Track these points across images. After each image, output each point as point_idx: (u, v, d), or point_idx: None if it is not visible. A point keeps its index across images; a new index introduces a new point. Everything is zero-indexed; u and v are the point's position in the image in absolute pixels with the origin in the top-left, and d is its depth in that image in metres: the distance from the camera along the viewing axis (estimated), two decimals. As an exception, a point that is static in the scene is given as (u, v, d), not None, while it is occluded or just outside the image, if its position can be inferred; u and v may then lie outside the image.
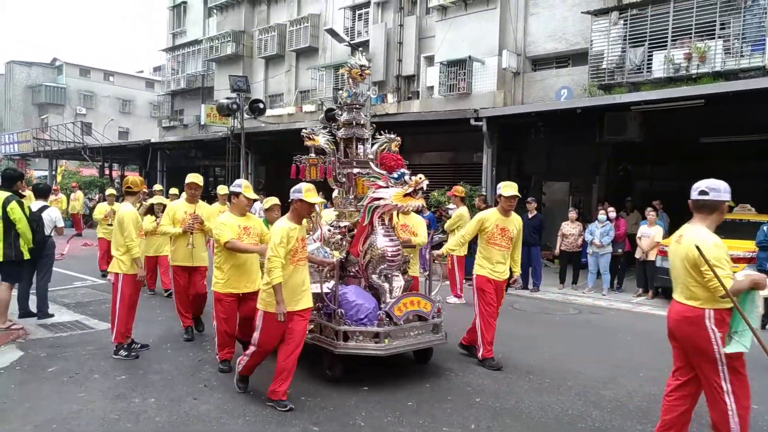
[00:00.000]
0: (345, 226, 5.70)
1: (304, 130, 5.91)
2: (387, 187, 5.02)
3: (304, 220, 6.31)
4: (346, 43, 16.67)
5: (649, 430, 4.19)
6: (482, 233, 5.71)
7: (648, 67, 12.49)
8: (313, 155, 5.83)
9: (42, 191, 7.79)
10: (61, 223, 7.44)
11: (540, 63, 15.57)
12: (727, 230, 9.16)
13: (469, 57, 15.23)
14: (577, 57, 14.41)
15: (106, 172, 28.12)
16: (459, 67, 15.51)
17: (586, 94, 13.25)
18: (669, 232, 10.44)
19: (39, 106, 47.65)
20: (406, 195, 4.95)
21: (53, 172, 29.26)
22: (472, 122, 12.61)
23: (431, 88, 16.79)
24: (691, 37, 11.92)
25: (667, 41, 12.23)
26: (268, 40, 22.79)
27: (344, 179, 5.85)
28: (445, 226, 9.44)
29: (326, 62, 20.26)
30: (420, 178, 5.00)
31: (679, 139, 12.52)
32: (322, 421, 4.21)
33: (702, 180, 3.57)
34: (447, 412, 4.44)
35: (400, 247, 5.26)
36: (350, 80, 5.83)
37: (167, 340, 6.32)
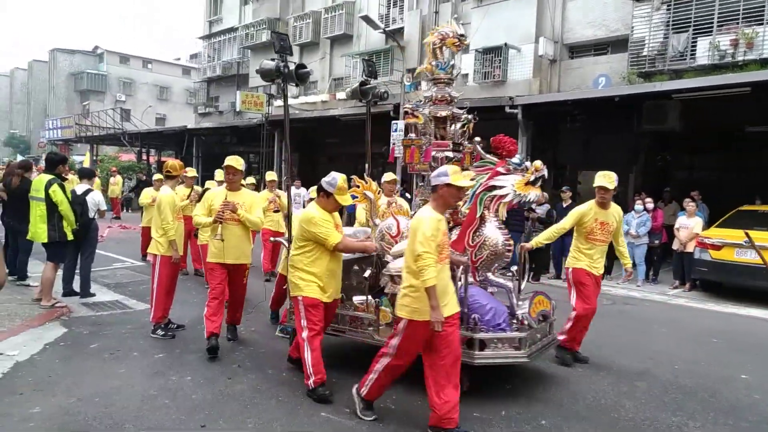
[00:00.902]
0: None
1: (406, 105, 5.25)
2: (507, 173, 4.51)
3: (363, 212, 6.12)
4: (381, 30, 16.59)
5: (683, 423, 4.13)
6: (580, 228, 5.35)
7: (692, 54, 12.11)
8: (413, 135, 5.15)
9: (86, 174, 8.03)
10: (104, 206, 7.67)
11: (578, 50, 15.25)
12: (764, 222, 8.94)
13: (505, 44, 15.02)
14: (617, 44, 14.06)
15: (144, 157, 28.78)
16: (494, 54, 15.31)
17: (625, 82, 12.93)
18: (708, 223, 10.17)
19: (81, 93, 48.99)
20: (527, 183, 4.45)
21: (95, 157, 30.11)
22: (507, 110, 12.46)
23: (466, 75, 16.60)
24: (738, 23, 11.50)
25: (712, 27, 11.83)
26: (303, 27, 22.87)
27: (435, 164, 5.05)
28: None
29: (360, 49, 20.24)
30: (540, 165, 4.51)
31: (721, 128, 12.13)
32: (353, 402, 4.25)
33: None
34: (477, 398, 4.44)
35: (511, 239, 4.79)
36: (437, 51, 5.10)
37: (202, 321, 6.43)
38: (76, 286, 7.42)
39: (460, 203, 4.78)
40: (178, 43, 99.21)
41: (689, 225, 9.68)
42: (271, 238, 6.53)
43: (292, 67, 5.09)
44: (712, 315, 8.12)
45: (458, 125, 5.14)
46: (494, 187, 4.58)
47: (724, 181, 12.73)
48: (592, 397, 4.59)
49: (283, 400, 4.30)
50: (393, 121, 15.10)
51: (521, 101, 12.45)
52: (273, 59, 5.03)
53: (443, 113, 5.06)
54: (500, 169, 4.55)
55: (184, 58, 53.13)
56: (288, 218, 5.35)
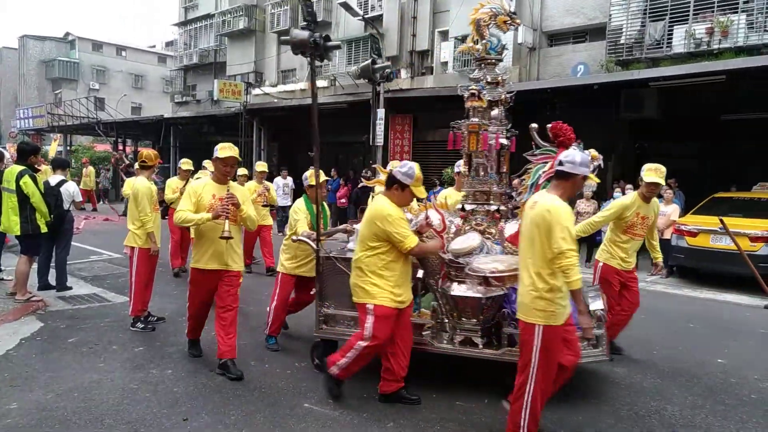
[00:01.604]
0: (495, 210, 4.65)
1: (469, 88, 4.70)
2: None
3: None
4: (360, 18, 16.46)
5: (662, 407, 4.21)
6: (620, 221, 5.08)
7: (668, 42, 12.23)
8: (475, 120, 4.64)
9: (60, 165, 7.84)
10: (79, 197, 7.53)
11: (557, 38, 15.30)
12: (745, 209, 9.12)
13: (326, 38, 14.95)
14: (595, 32, 14.13)
15: (120, 147, 28.26)
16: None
17: (603, 70, 13.03)
18: (685, 210, 10.34)
19: (53, 81, 47.81)
20: None
21: (68, 147, 29.48)
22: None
23: (445, 63, 16.58)
24: (713, 11, 11.63)
25: (688, 15, 11.94)
26: (281, 14, 22.54)
27: (488, 152, 4.74)
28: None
29: (339, 37, 20.02)
30: (596, 154, 4.28)
31: (698, 116, 12.31)
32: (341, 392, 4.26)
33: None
34: (461, 387, 4.46)
35: None
36: (482, 29, 4.74)
37: (182, 313, 6.32)
38: (52, 279, 7.28)
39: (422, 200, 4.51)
40: (154, 30, 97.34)
41: (666, 212, 9.82)
42: (294, 238, 5.04)
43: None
44: (689, 300, 8.27)
45: (503, 109, 4.82)
46: None
47: (701, 168, 12.94)
48: (570, 382, 4.64)
49: (265, 391, 4.28)
50: (377, 109, 15.03)
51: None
52: (303, 28, 4.63)
53: (495, 97, 4.73)
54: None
55: (159, 45, 52.20)
56: (316, 213, 4.87)
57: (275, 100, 20.12)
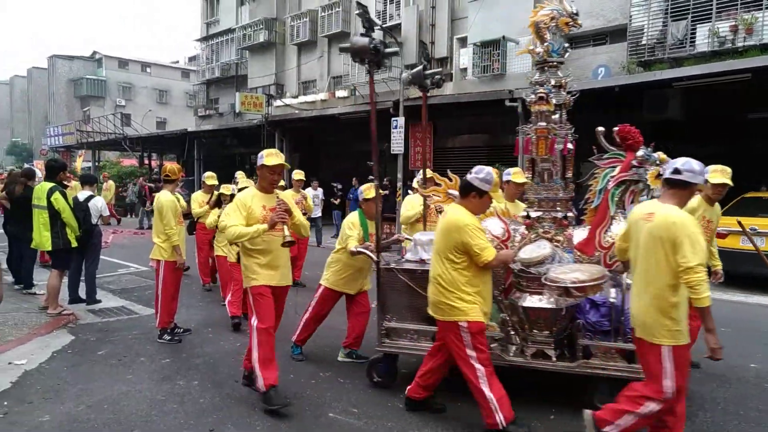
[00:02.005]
0: (563, 217, 4.40)
1: (537, 91, 4.49)
2: (639, 166, 4.05)
3: (413, 209, 5.81)
4: (378, 27, 16.55)
5: (693, 413, 4.13)
6: None
7: (691, 42, 12.05)
8: (543, 124, 4.46)
9: (88, 181, 8.03)
10: (106, 212, 7.68)
11: (576, 41, 15.17)
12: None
13: (503, 37, 14.96)
14: (616, 33, 13.99)
15: (146, 161, 28.83)
16: (492, 47, 15.27)
17: (625, 71, 12.88)
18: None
19: (81, 99, 49.15)
20: (656, 176, 3.98)
21: (96, 163, 30.19)
22: (507, 103, 12.44)
23: (464, 69, 16.59)
24: (737, 8, 11.43)
25: (711, 13, 11.76)
26: (300, 26, 22.85)
27: (553, 156, 4.53)
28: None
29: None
30: (665, 156, 4.06)
31: (723, 115, 12.08)
32: (361, 403, 4.27)
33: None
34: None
35: None
36: (542, 32, 4.55)
37: (208, 325, 6.49)
38: (82, 292, 7.44)
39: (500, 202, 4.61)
40: (176, 46, 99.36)
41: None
42: (352, 250, 4.84)
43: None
44: (719, 304, 8.01)
45: (564, 113, 4.62)
46: (625, 182, 4.07)
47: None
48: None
49: (289, 401, 4.30)
50: (393, 118, 15.08)
51: (521, 94, 12.40)
52: (363, 35, 4.51)
53: (559, 100, 4.52)
54: (633, 162, 4.04)
55: (182, 60, 53.25)
56: (377, 227, 4.69)
57: (296, 112, 20.34)
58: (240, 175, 9.09)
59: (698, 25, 11.95)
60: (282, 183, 8.78)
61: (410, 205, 5.99)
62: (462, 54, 16.87)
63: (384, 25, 17.66)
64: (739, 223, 6.15)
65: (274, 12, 24.51)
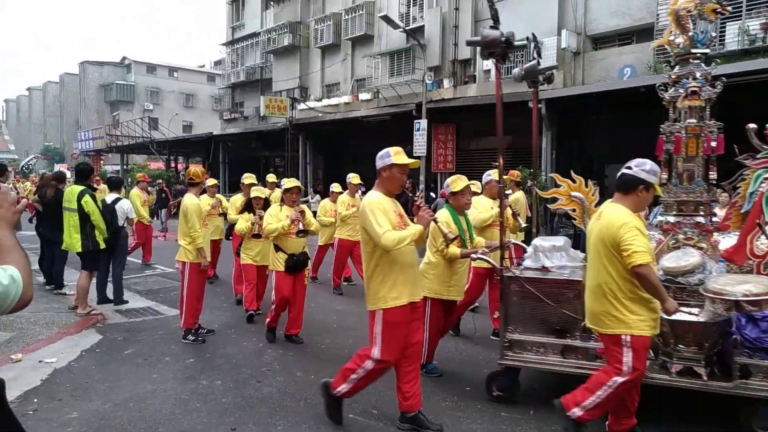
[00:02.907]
0: (707, 222, 4.11)
1: (687, 85, 4.15)
2: None
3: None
4: (401, 30, 16.60)
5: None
6: None
7: (720, 40, 11.79)
8: (693, 121, 4.12)
9: (116, 184, 8.23)
10: (132, 215, 7.85)
11: (601, 41, 14.99)
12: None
13: (527, 38, 14.83)
14: (642, 33, 13.77)
15: (172, 164, 29.32)
16: (516, 49, 15.14)
17: (651, 71, 12.67)
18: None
19: (111, 104, 50.26)
20: None
21: (125, 166, 30.82)
22: (530, 105, 12.32)
23: (488, 71, 16.49)
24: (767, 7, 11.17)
25: (741, 11, 11.50)
26: (324, 30, 23.00)
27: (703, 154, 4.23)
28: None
29: (382, 49, 20.26)
30: None
31: (754, 116, 11.79)
32: (381, 404, 4.28)
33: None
34: (505, 398, 4.41)
35: None
36: (683, 21, 4.20)
37: (231, 326, 6.57)
38: (110, 293, 7.61)
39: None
40: (203, 51, 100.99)
41: (722, 215, 9.44)
42: (474, 256, 4.61)
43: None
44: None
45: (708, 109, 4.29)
46: None
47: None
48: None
49: (311, 402, 4.34)
50: (415, 121, 15.09)
51: (544, 95, 12.31)
52: (492, 27, 4.32)
53: (707, 95, 4.19)
54: None
55: (208, 65, 54.01)
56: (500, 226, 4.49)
57: (320, 115, 20.48)
58: (271, 177, 9.28)
59: (728, 23, 11.69)
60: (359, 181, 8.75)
61: (482, 207, 5.82)
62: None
63: (407, 28, 17.68)
64: (759, 225, 5.95)
65: (299, 15, 24.73)
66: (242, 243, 6.84)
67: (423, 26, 18.60)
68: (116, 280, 7.60)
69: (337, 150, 22.04)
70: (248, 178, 7.88)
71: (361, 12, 21.28)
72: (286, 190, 5.87)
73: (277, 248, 5.76)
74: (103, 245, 7.05)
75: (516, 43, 4.37)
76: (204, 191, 9.00)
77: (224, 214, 8.50)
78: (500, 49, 4.24)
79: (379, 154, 3.83)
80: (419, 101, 15.28)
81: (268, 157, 25.91)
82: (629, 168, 3.42)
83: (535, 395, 4.48)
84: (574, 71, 14.80)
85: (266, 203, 6.58)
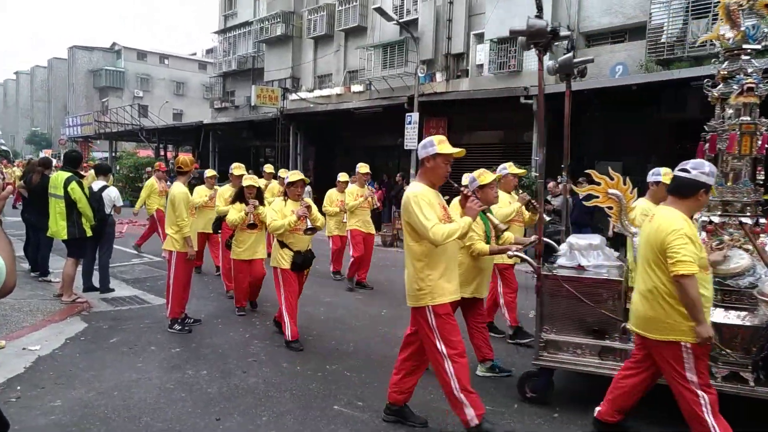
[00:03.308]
0: (754, 223, 4.03)
1: (743, 82, 4.01)
2: None
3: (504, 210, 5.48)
4: (395, 22, 16.53)
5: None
6: None
7: (712, 40, 11.86)
8: (747, 119, 3.96)
9: (103, 170, 8.14)
10: (120, 203, 7.77)
11: (594, 38, 15.03)
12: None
13: (568, 28, 14.83)
14: (634, 31, 13.83)
15: (162, 152, 29.09)
16: (509, 44, 15.15)
17: (643, 70, 12.73)
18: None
19: (100, 90, 49.69)
20: None
21: (113, 154, 30.54)
22: (522, 100, 12.36)
23: (481, 66, 16.50)
24: (759, 7, 11.24)
25: None
26: (317, 20, 22.86)
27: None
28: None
29: (375, 41, 20.18)
30: None
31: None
32: (367, 396, 4.29)
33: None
34: (490, 391, 4.43)
35: None
36: (733, 15, 4.10)
37: (218, 316, 6.56)
38: (96, 281, 7.55)
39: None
40: (194, 38, 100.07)
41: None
42: (510, 254, 4.56)
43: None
44: None
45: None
46: None
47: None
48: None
49: (296, 393, 4.34)
50: (407, 114, 15.07)
51: (536, 91, 12.32)
52: (537, 16, 4.26)
53: (762, 93, 4.04)
54: None
55: (199, 53, 53.56)
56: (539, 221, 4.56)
57: (311, 106, 20.38)
58: (268, 168, 9.18)
59: (720, 24, 11.75)
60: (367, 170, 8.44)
61: (501, 202, 5.62)
62: (478, 50, 16.77)
63: (401, 20, 17.61)
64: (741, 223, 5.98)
65: (292, 6, 24.55)
66: (233, 236, 6.54)
67: (416, 19, 18.55)
68: (102, 268, 7.53)
69: (328, 141, 21.96)
70: (238, 168, 7.65)
71: (354, 3, 21.16)
72: (290, 184, 5.55)
73: (282, 244, 5.46)
74: (89, 233, 6.98)
75: (563, 35, 4.39)
76: (202, 182, 8.94)
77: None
78: (545, 40, 4.20)
79: (422, 143, 3.62)
80: (411, 94, 15.24)
81: (258, 147, 25.75)
82: (686, 171, 3.26)
83: (517, 389, 4.51)
84: (567, 68, 14.81)
85: (259, 193, 6.52)
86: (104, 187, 7.51)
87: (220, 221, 7.20)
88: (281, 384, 4.52)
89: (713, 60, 4.82)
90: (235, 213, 6.34)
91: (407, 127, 15.07)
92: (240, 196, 6.48)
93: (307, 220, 5.39)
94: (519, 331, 5.80)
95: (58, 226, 6.87)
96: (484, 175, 4.55)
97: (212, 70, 34.97)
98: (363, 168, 8.35)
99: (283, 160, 20.10)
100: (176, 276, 5.85)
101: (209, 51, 44.74)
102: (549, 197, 10.31)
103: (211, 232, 7.99)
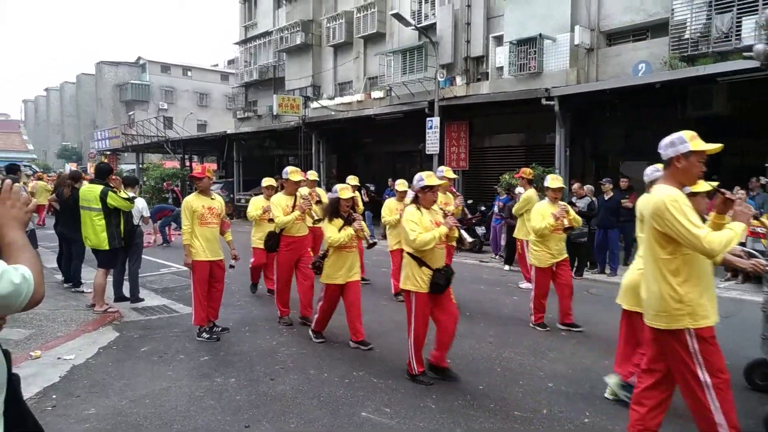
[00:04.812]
0: None
1: None
2: None
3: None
4: (413, 27, 16.57)
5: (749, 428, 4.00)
6: None
7: (737, 35, 11.63)
8: None
9: (131, 181, 8.32)
10: (147, 213, 7.93)
11: (615, 37, 14.85)
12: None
13: (540, 35, 14.75)
14: (657, 28, 13.63)
15: (187, 163, 29.55)
16: (529, 45, 15.06)
17: (667, 67, 12.53)
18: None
19: (126, 103, 50.76)
20: None
21: (140, 165, 31.13)
22: (544, 102, 12.27)
23: (501, 68, 16.42)
24: (785, 0, 10.99)
25: (757, 5, 11.33)
26: (336, 28, 23.04)
27: None
28: (513, 209, 9.27)
29: (394, 47, 20.25)
30: None
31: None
32: (394, 402, 4.31)
33: None
34: (518, 396, 4.42)
35: None
36: None
37: (246, 324, 6.64)
38: (126, 291, 7.70)
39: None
40: (216, 50, 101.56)
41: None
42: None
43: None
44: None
45: None
46: None
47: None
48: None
49: (324, 400, 4.37)
50: (428, 119, 15.08)
51: (557, 92, 12.24)
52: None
53: None
54: None
55: (221, 64, 54.33)
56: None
57: (332, 113, 20.52)
58: (312, 175, 8.62)
59: (744, 18, 11.52)
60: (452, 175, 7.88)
61: (540, 216, 6.28)
62: (498, 52, 16.70)
63: (419, 25, 17.64)
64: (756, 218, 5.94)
65: (311, 14, 24.78)
66: (324, 256, 5.65)
67: (435, 24, 18.57)
68: (132, 278, 7.69)
69: (349, 148, 22.08)
70: (294, 172, 6.70)
71: (373, 10, 21.28)
72: (428, 188, 4.63)
73: (421, 262, 4.59)
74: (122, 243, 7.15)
75: None
76: (259, 193, 8.30)
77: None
78: None
79: (668, 141, 3.20)
80: (432, 99, 15.26)
81: (281, 156, 26.00)
82: None
83: (548, 393, 4.47)
84: (588, 68, 14.69)
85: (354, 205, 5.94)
86: (132, 198, 7.67)
87: (278, 238, 6.47)
88: (309, 391, 4.55)
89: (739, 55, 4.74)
90: (335, 232, 5.45)
91: (428, 132, 15.08)
92: (336, 210, 5.58)
93: (461, 231, 4.77)
94: None
95: (99, 237, 6.97)
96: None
97: (234, 81, 35.44)
98: (401, 185, 7.83)
99: (306, 168, 20.26)
100: (194, 285, 5.96)
101: (231, 62, 45.37)
102: (574, 199, 10.19)
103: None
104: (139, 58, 53.09)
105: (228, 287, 8.32)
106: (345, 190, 5.58)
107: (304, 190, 7.80)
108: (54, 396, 4.43)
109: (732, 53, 11.63)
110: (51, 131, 64.59)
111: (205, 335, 5.95)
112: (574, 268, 9.60)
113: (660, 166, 4.56)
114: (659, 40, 13.35)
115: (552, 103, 12.15)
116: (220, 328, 6.18)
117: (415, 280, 4.60)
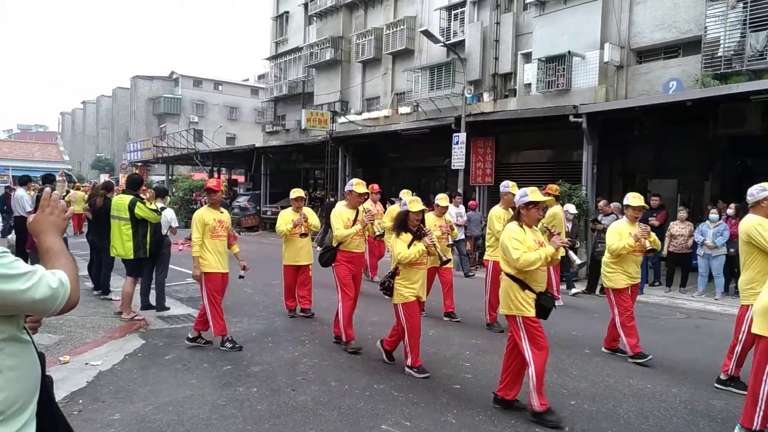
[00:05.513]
0: None
1: None
2: None
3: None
4: (442, 44, 16.67)
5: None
6: None
7: (769, 53, 11.42)
8: None
9: (161, 192, 8.52)
10: (175, 224, 8.08)
11: (646, 54, 14.71)
12: None
13: (569, 52, 14.70)
14: (689, 46, 13.46)
15: (215, 175, 30.04)
16: (557, 62, 15.02)
17: (698, 85, 12.34)
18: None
19: (158, 116, 52.03)
20: None
21: (170, 177, 31.78)
22: (571, 119, 12.18)
23: (528, 85, 16.39)
24: (822, 18, 10.77)
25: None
26: (365, 44, 23.32)
27: None
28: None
29: (422, 64, 20.39)
30: None
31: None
32: (414, 416, 4.28)
33: None
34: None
35: None
36: None
37: (268, 335, 6.68)
38: (152, 299, 7.84)
39: None
40: (247, 65, 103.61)
41: None
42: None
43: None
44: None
45: None
46: None
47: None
48: (662, 415, 4.39)
49: (344, 412, 4.37)
50: (454, 134, 15.09)
51: (585, 109, 12.13)
52: None
53: None
54: None
55: (252, 78, 55.34)
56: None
57: (359, 128, 20.68)
58: (443, 200, 7.43)
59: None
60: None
61: (618, 236, 5.76)
62: (526, 69, 16.68)
63: (448, 42, 17.74)
64: None
65: (341, 31, 25.14)
66: (394, 275, 5.27)
67: (463, 40, 18.67)
68: (159, 287, 7.82)
69: (376, 163, 22.18)
70: (359, 185, 6.24)
71: (402, 27, 21.49)
72: (532, 204, 4.42)
73: (523, 285, 4.24)
74: (149, 253, 7.30)
75: None
76: (287, 205, 7.85)
77: (305, 234, 7.39)
78: None
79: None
80: (458, 114, 15.27)
81: (308, 169, 26.26)
82: None
83: (570, 411, 4.40)
84: (617, 85, 14.55)
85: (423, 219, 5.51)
86: (162, 209, 7.84)
87: (335, 252, 6.11)
88: (329, 402, 4.56)
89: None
90: (405, 248, 5.08)
91: (454, 148, 15.08)
92: (404, 224, 5.19)
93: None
94: None
95: (125, 247, 7.17)
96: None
97: (264, 95, 36.05)
98: (443, 200, 7.34)
99: (333, 182, 20.42)
100: (205, 295, 6.00)
101: (261, 77, 46.22)
102: (599, 216, 10.07)
103: (303, 263, 7.42)
104: (172, 73, 54.44)
105: (251, 298, 8.45)
106: (415, 203, 5.14)
107: (367, 204, 7.59)
108: (80, 401, 4.52)
109: (766, 72, 11.42)
110: (86, 142, 66.49)
111: (228, 345, 6.00)
112: (599, 287, 9.45)
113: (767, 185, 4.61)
114: (691, 57, 13.19)
115: (580, 120, 12.05)
116: (231, 345, 6.03)
117: (520, 304, 4.20)
